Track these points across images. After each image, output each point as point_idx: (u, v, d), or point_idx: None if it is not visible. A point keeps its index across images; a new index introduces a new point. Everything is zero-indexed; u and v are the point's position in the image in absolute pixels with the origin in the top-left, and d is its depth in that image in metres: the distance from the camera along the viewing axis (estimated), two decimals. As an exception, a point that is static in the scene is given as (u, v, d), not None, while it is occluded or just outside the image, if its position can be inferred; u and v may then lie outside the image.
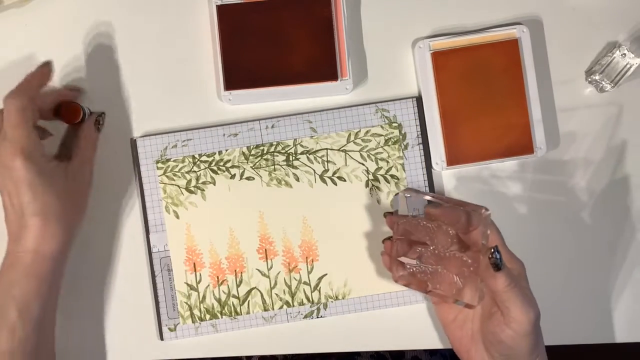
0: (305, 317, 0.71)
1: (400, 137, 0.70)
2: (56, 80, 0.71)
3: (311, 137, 0.71)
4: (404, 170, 0.71)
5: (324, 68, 0.69)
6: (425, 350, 0.81)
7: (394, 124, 0.71)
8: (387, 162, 0.71)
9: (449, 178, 0.72)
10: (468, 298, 0.62)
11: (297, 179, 0.71)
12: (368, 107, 0.71)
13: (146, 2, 0.71)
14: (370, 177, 0.71)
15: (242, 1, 0.69)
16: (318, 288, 0.71)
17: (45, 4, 0.71)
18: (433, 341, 0.71)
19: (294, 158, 0.71)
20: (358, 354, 0.81)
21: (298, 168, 0.71)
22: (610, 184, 0.72)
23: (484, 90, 0.69)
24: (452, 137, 0.70)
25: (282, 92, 0.70)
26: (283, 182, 0.71)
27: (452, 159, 0.70)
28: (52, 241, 0.61)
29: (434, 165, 0.70)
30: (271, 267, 0.71)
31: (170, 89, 0.72)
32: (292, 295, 0.71)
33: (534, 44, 0.70)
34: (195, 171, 0.70)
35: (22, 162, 0.59)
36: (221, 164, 0.71)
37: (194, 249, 0.71)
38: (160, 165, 0.70)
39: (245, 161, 0.71)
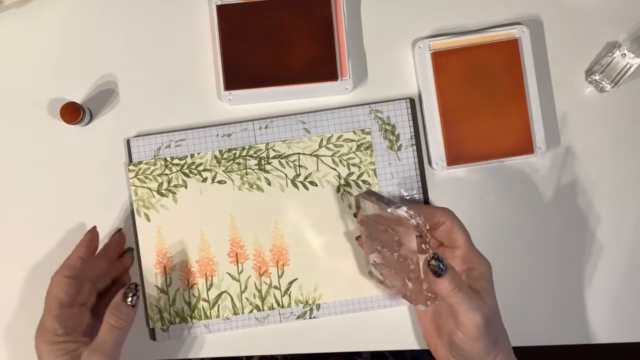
0: (298, 317, 0.70)
1: (398, 146, 0.70)
2: (57, 82, 0.71)
3: (283, 141, 0.71)
4: (375, 176, 0.71)
5: (324, 68, 0.69)
6: (425, 350, 0.81)
7: (367, 130, 0.72)
8: (359, 167, 0.71)
9: (449, 178, 0.72)
10: (417, 300, 0.62)
11: (269, 183, 0.70)
12: (362, 107, 0.71)
13: (146, 2, 0.72)
14: (342, 182, 0.71)
15: (242, 1, 0.69)
16: (288, 292, 0.70)
17: (45, 4, 0.72)
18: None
19: (265, 162, 0.70)
20: (358, 353, 0.81)
21: (270, 172, 0.70)
22: (610, 184, 0.71)
23: (484, 90, 0.69)
24: (452, 137, 0.69)
25: (282, 92, 0.70)
26: (255, 186, 0.70)
27: (452, 159, 0.70)
28: None
29: (434, 165, 0.70)
30: (242, 271, 0.70)
31: (170, 89, 0.72)
32: (262, 300, 0.70)
33: (534, 44, 0.70)
34: (167, 174, 0.70)
35: (36, 337, 0.62)
36: (193, 167, 0.70)
37: (165, 251, 0.70)
38: (132, 167, 0.70)
39: (217, 165, 0.70)
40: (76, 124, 0.69)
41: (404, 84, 0.72)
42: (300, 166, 0.71)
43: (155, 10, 0.72)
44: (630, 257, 0.71)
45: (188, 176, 0.70)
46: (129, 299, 0.63)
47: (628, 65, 0.68)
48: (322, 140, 0.70)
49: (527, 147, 0.69)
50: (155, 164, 0.70)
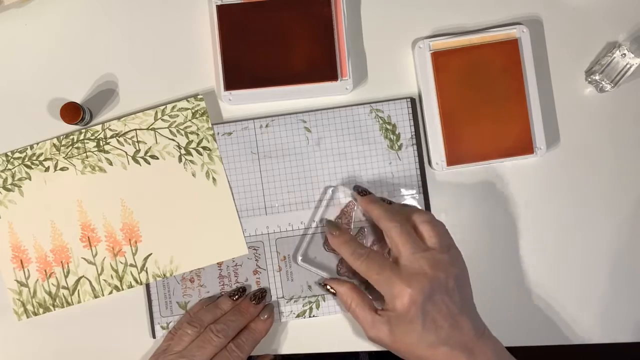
0: (298, 316, 0.70)
1: (399, 145, 0.70)
2: (56, 82, 0.71)
3: (119, 119, 0.71)
4: (214, 140, 0.71)
5: (324, 68, 0.68)
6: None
7: (199, 96, 0.71)
8: (197, 134, 0.70)
9: (448, 178, 0.71)
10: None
11: (110, 163, 0.70)
12: (362, 107, 0.70)
13: (146, 2, 0.71)
14: (183, 151, 0.70)
15: (242, 1, 0.69)
16: (145, 269, 0.70)
17: (45, 4, 0.71)
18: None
19: (104, 143, 0.70)
20: (357, 353, 0.81)
21: (110, 152, 0.70)
22: (610, 184, 0.71)
23: (484, 90, 0.68)
24: (452, 137, 0.69)
25: (282, 92, 0.69)
26: (97, 168, 0.70)
27: (452, 159, 0.69)
28: None
29: (433, 165, 0.70)
30: (96, 254, 0.70)
31: (170, 89, 0.71)
32: (120, 279, 0.70)
33: (534, 44, 0.69)
34: (9, 169, 0.70)
35: None
36: (34, 158, 0.70)
37: (19, 245, 0.71)
38: (-27, 169, 0.71)
39: (57, 152, 0.70)
40: (76, 124, 0.69)
41: (404, 84, 0.71)
42: (139, 142, 0.70)
43: (155, 11, 0.71)
44: (630, 257, 0.71)
45: (30, 168, 0.70)
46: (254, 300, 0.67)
47: (628, 65, 0.68)
48: (157, 113, 0.70)
49: (527, 147, 0.69)
50: None
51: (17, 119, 0.71)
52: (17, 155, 0.70)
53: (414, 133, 0.70)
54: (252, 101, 0.70)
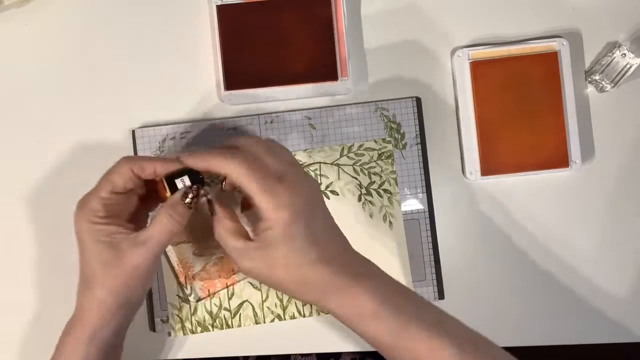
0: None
1: (403, 144, 0.70)
2: (56, 83, 0.71)
3: (304, 150, 0.70)
4: (396, 184, 0.70)
5: (324, 68, 0.67)
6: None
7: (388, 139, 0.70)
8: (380, 176, 0.70)
9: (482, 188, 0.70)
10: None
11: None
12: (367, 105, 0.69)
13: (146, 2, 0.70)
14: (363, 191, 0.70)
15: (242, 1, 0.68)
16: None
17: (45, 4, 0.69)
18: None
19: None
20: (356, 353, 0.81)
21: None
22: (610, 184, 0.70)
23: (521, 102, 0.68)
24: (487, 147, 0.68)
25: (282, 92, 0.68)
26: None
27: (487, 169, 0.68)
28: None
29: (467, 175, 0.68)
30: None
31: (170, 89, 0.70)
32: (284, 309, 0.68)
33: (573, 57, 0.69)
34: None
35: (76, 216, 0.57)
36: (215, 175, 0.68)
37: (186, 261, 0.69)
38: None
39: None
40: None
41: (404, 84, 0.69)
42: (321, 175, 0.69)
43: (155, 11, 0.70)
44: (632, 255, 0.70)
45: (209, 185, 0.69)
46: (188, 199, 0.59)
47: (628, 65, 0.67)
48: (343, 149, 0.69)
49: (562, 161, 0.68)
50: None
51: (17, 120, 0.71)
52: None
53: (418, 132, 0.69)
54: (252, 101, 0.69)
